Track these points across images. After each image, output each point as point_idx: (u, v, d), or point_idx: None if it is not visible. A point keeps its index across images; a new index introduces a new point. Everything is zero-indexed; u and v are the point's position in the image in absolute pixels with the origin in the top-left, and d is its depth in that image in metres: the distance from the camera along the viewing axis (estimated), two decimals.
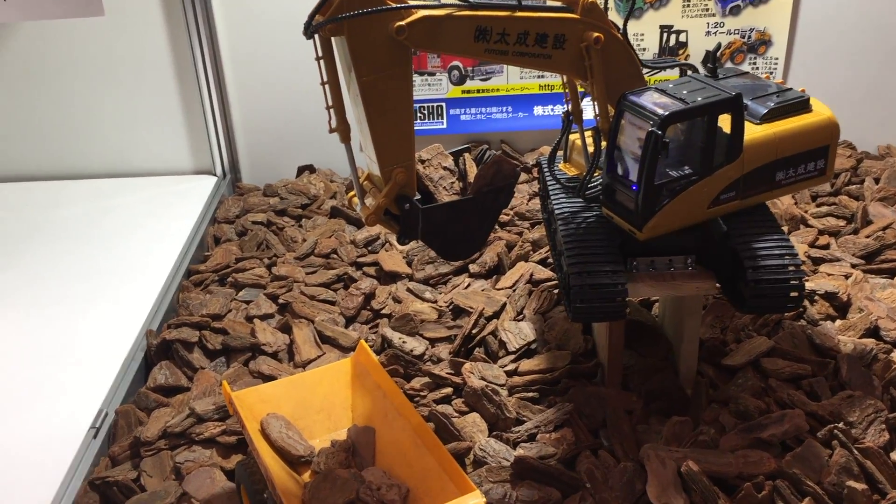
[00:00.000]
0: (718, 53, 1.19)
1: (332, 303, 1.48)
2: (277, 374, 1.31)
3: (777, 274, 1.05)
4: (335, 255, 1.61)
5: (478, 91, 1.88)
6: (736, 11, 1.81)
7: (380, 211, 0.96)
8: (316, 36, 0.90)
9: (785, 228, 1.58)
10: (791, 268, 1.05)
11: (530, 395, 1.24)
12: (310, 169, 1.96)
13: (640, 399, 1.20)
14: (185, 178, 1.95)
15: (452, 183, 1.04)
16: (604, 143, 1.08)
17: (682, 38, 1.83)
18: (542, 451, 1.13)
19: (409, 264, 1.56)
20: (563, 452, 1.13)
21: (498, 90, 1.89)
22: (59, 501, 1.11)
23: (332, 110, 0.94)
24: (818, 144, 1.13)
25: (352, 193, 1.02)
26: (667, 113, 0.99)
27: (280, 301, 1.48)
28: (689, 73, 1.18)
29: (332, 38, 0.91)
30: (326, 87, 0.93)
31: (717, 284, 1.13)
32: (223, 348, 1.38)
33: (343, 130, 0.96)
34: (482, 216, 1.03)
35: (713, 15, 1.81)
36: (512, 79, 1.88)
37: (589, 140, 1.15)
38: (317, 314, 1.44)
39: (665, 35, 1.83)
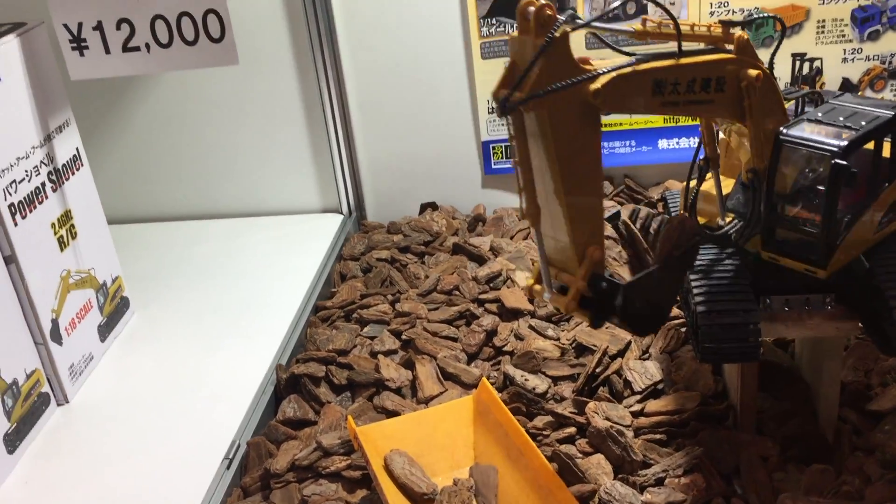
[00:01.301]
0: (797, 73, 1.15)
1: (455, 339, 1.49)
2: (401, 409, 1.32)
3: None
4: (457, 292, 1.62)
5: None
6: (875, 36, 1.72)
7: (578, 295, 0.90)
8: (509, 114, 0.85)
9: None
10: None
11: (657, 437, 1.20)
12: (432, 206, 1.99)
13: (776, 445, 1.14)
14: (314, 217, 2.02)
15: (619, 252, 1.00)
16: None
17: (817, 65, 1.76)
18: (671, 496, 1.09)
19: (532, 301, 1.55)
20: (694, 499, 1.08)
21: (621, 124, 1.87)
22: None
23: (523, 194, 0.89)
24: None
25: (530, 282, 0.97)
26: (847, 142, 0.95)
27: (403, 337, 1.50)
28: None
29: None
30: (518, 168, 0.88)
31: (860, 325, 1.07)
32: (348, 383, 1.41)
33: (534, 214, 0.89)
34: (671, 282, 0.97)
35: (850, 41, 1.73)
36: (635, 113, 1.85)
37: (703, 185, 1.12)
38: (439, 350, 1.45)
39: (798, 63, 1.76)
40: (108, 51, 1.38)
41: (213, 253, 1.89)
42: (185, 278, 1.79)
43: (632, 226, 0.97)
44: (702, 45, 0.98)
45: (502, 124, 1.89)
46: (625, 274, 0.96)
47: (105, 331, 1.55)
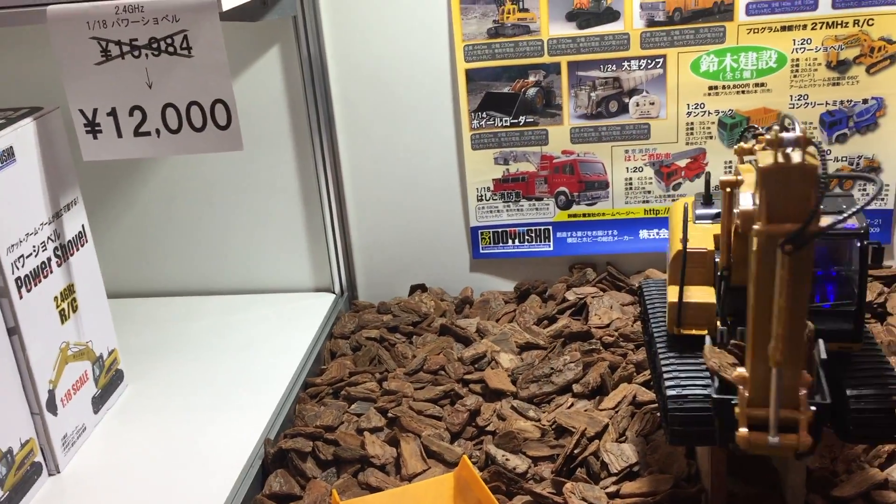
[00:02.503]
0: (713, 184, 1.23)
1: (439, 418, 1.53)
2: (384, 486, 1.36)
3: (880, 403, 1.04)
4: (443, 372, 1.67)
5: (583, 215, 1.95)
6: (843, 139, 1.83)
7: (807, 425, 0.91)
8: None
9: (893, 360, 1.54)
10: (895, 396, 1.04)
11: None
12: (422, 288, 2.05)
13: None
14: (306, 295, 2.08)
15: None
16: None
17: None
18: None
19: (514, 382, 1.60)
20: None
21: (604, 214, 1.95)
22: None
23: (783, 339, 0.87)
24: None
25: (743, 431, 0.94)
26: (865, 223, 1.02)
27: (389, 415, 1.54)
28: None
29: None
30: (787, 311, 0.86)
31: None
32: (334, 459, 1.45)
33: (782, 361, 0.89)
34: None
35: (819, 143, 1.83)
36: (617, 203, 1.94)
37: None
38: (424, 429, 1.49)
39: None
40: (120, 135, 1.46)
41: (208, 328, 1.94)
42: (179, 353, 1.84)
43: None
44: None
45: (505, 211, 1.98)
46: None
47: (99, 402, 1.59)
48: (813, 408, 0.91)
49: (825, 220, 0.86)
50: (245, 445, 1.48)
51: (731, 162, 1.87)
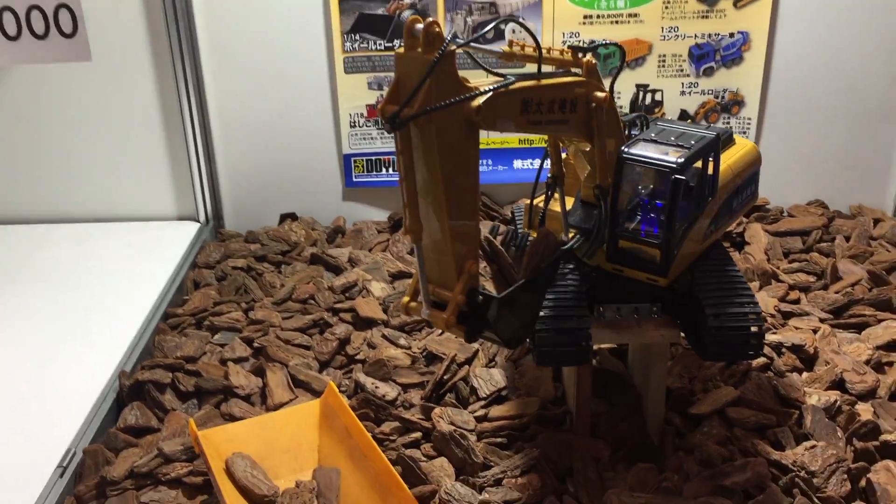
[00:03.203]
0: (640, 102, 1.25)
1: (308, 347, 1.49)
2: (249, 416, 1.31)
3: (737, 321, 1.07)
4: (312, 301, 1.62)
5: None
6: (709, 73, 1.86)
7: (457, 310, 0.92)
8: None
9: (756, 283, 1.61)
10: (751, 315, 1.07)
11: (499, 440, 1.24)
12: (292, 217, 1.98)
13: (607, 446, 1.21)
14: (169, 224, 1.98)
15: (484, 267, 1.03)
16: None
17: (658, 97, 1.88)
18: (508, 495, 1.13)
19: (386, 311, 1.57)
20: (528, 498, 1.13)
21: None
22: None
23: (407, 209, 0.90)
24: (752, 170, 1.22)
25: (406, 299, 0.98)
26: (684, 158, 1.03)
27: (255, 345, 1.49)
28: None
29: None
30: (404, 183, 0.89)
31: (682, 333, 1.15)
32: (196, 390, 1.39)
33: (417, 230, 0.91)
34: (538, 294, 1.02)
35: (688, 75, 1.87)
36: (492, 133, 1.92)
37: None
38: (291, 358, 1.45)
39: (641, 93, 1.88)
40: None
41: (58, 258, 1.82)
42: (28, 283, 1.71)
43: (494, 242, 1.01)
44: (553, 68, 1.04)
45: (379, 137, 1.92)
46: (490, 288, 1.00)
47: None
48: (480, 298, 0.93)
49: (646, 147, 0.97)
50: (98, 379, 1.40)
51: None
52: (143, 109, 1.90)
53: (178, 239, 1.89)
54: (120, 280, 1.72)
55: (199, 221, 1.98)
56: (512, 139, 1.93)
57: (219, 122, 1.93)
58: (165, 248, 1.85)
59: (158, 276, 1.72)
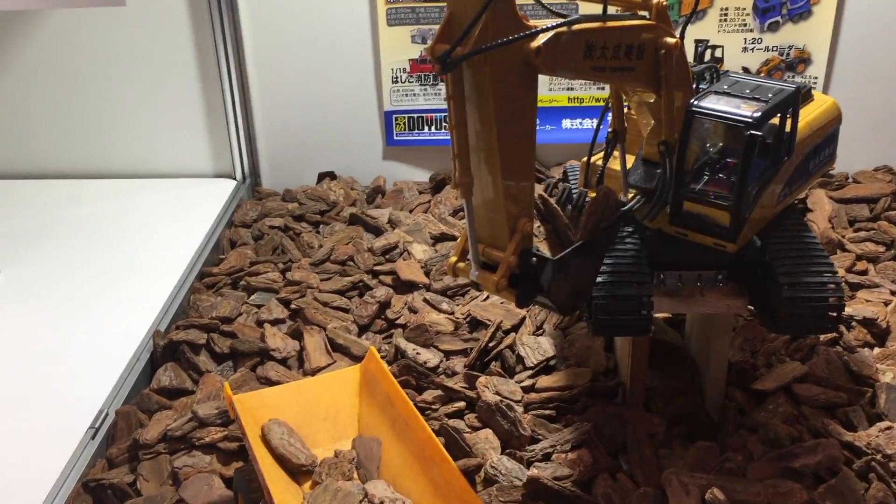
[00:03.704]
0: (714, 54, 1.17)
1: (346, 310, 1.43)
2: (285, 380, 1.26)
3: (815, 291, 0.98)
4: (351, 262, 1.56)
5: None
6: (775, 28, 1.75)
7: (508, 272, 0.85)
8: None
9: None
10: (830, 286, 0.99)
11: (547, 412, 1.17)
12: (330, 176, 1.92)
13: (663, 422, 1.14)
14: (205, 181, 1.93)
15: (538, 227, 0.95)
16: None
17: (718, 53, 1.77)
18: (557, 471, 1.07)
19: (427, 274, 1.51)
20: (580, 474, 1.06)
21: None
22: (52, 502, 1.07)
23: (457, 160, 0.81)
24: (831, 130, 1.12)
25: (453, 259, 0.91)
26: (760, 112, 0.94)
27: (292, 306, 1.44)
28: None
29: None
30: (454, 132, 0.81)
31: (749, 304, 1.07)
32: (231, 352, 1.34)
33: (468, 183, 0.82)
34: (595, 258, 0.94)
35: (751, 31, 1.75)
36: (541, 91, 1.83)
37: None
38: (329, 321, 1.39)
39: (700, 49, 1.77)
40: None
41: (93, 214, 1.78)
42: (60, 239, 1.67)
43: (550, 200, 0.93)
44: (619, 11, 0.96)
45: (422, 93, 1.84)
46: (544, 249, 0.92)
47: None
48: (534, 260, 0.85)
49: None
50: (132, 338, 1.36)
51: None
52: (180, 64, 1.84)
53: (214, 196, 1.83)
54: (155, 237, 1.68)
55: (235, 179, 1.93)
56: (561, 97, 1.84)
57: (257, 78, 1.86)
58: (202, 205, 1.80)
59: (194, 234, 1.67)
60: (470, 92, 0.79)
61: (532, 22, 0.82)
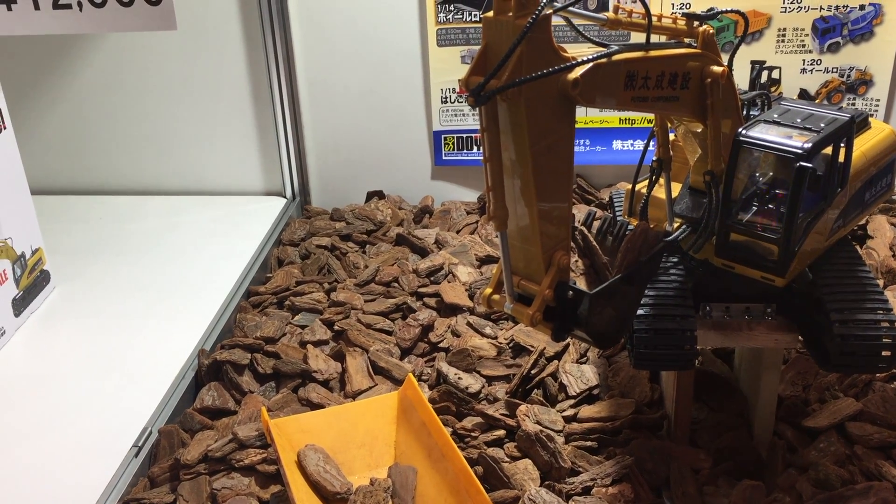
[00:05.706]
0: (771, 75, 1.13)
1: (389, 332, 1.43)
2: (326, 402, 1.26)
3: (868, 329, 0.94)
4: (396, 284, 1.56)
5: None
6: (835, 49, 1.70)
7: (544, 306, 0.83)
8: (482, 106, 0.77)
9: (880, 282, 1.46)
10: (884, 323, 0.94)
11: (588, 444, 1.15)
12: (379, 195, 1.93)
13: (708, 457, 1.10)
14: (256, 199, 1.95)
15: (576, 261, 0.93)
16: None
17: (775, 74, 1.72)
18: None
19: (471, 297, 1.50)
20: None
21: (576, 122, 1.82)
22: None
23: (491, 193, 0.80)
24: (888, 159, 1.08)
25: (488, 291, 0.89)
26: (811, 143, 0.91)
27: (336, 328, 1.44)
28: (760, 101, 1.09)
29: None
30: (488, 165, 0.79)
31: (800, 338, 1.03)
32: (274, 373, 1.35)
33: (502, 216, 0.81)
34: (635, 292, 0.91)
35: (810, 52, 1.71)
36: (591, 111, 1.81)
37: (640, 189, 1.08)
38: (372, 343, 1.39)
39: (757, 70, 1.73)
40: (37, 6, 1.30)
41: (147, 230, 1.81)
42: (114, 255, 1.71)
43: (588, 234, 0.91)
44: (664, 39, 0.93)
45: (471, 114, 1.84)
46: (581, 284, 0.90)
47: (21, 305, 1.47)
48: (570, 294, 0.83)
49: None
50: (178, 356, 1.37)
51: None
52: (233, 83, 1.87)
53: (263, 214, 1.85)
54: (206, 254, 1.70)
55: (285, 197, 1.95)
56: (612, 118, 1.81)
57: (308, 97, 1.88)
58: (252, 223, 1.82)
59: (244, 251, 1.69)
60: (504, 124, 0.78)
61: (570, 51, 0.81)
